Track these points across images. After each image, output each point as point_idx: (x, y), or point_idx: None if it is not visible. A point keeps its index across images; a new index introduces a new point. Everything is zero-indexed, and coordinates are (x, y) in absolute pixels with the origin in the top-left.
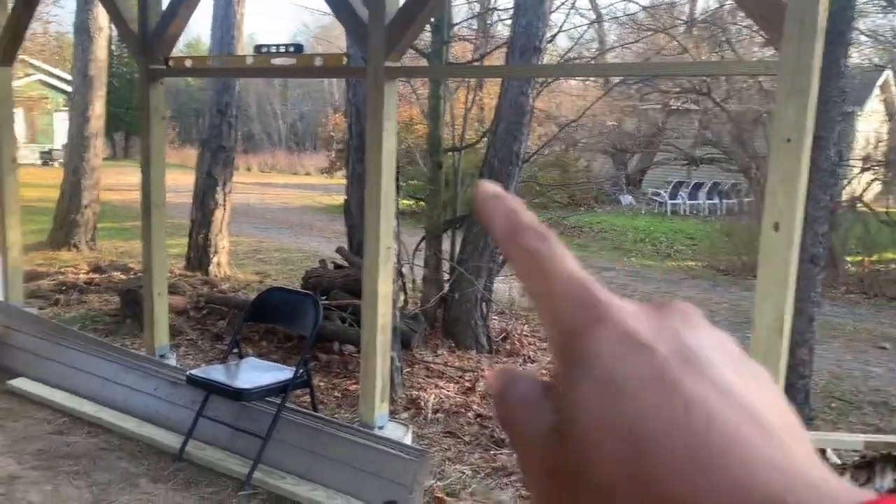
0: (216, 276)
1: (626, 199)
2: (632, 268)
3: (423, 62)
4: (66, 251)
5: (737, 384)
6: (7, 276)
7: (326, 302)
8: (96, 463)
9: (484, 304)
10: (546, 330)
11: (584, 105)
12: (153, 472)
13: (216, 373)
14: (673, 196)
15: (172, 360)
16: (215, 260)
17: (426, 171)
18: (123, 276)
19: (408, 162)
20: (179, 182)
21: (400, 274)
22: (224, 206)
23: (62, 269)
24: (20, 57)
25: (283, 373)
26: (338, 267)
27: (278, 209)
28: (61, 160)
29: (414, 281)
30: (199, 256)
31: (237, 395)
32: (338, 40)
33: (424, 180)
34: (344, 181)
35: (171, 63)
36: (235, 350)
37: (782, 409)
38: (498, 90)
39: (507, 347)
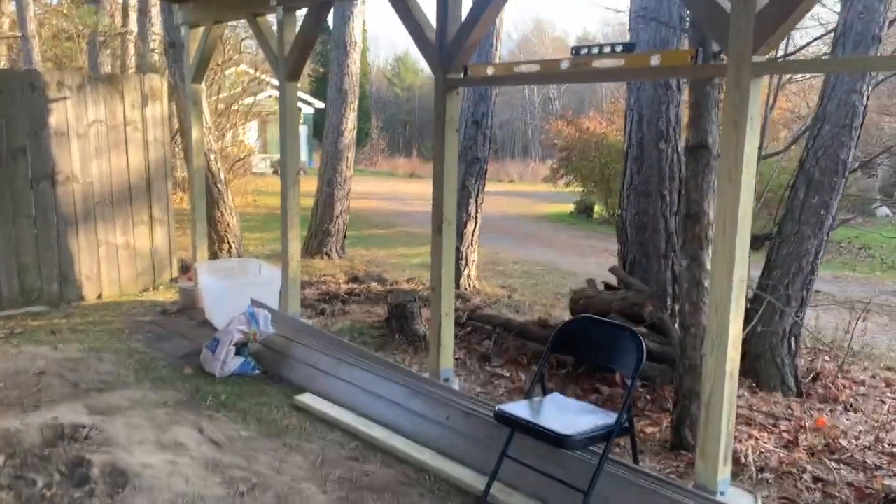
0: (466, 289)
1: (882, 210)
2: None
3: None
4: (320, 259)
5: None
6: (286, 287)
7: None
8: (400, 500)
9: (793, 338)
10: None
11: None
12: None
13: (523, 410)
14: None
15: (455, 385)
16: (465, 273)
17: None
18: (381, 287)
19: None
20: (399, 190)
21: (658, 296)
22: (476, 218)
23: (322, 278)
24: (260, 74)
25: (600, 416)
26: (609, 288)
27: (498, 217)
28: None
29: None
30: None
31: (558, 440)
32: (533, 53)
33: None
34: (565, 188)
35: (469, 72)
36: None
37: None
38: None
39: (820, 391)
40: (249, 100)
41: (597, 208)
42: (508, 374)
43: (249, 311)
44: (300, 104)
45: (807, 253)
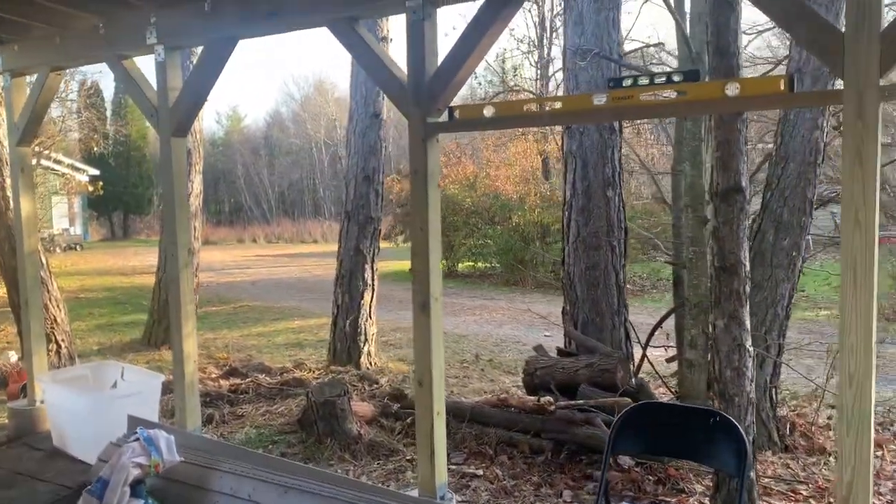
0: (368, 368)
1: None
2: None
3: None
4: (167, 349)
5: None
6: (184, 396)
7: (580, 403)
8: None
9: (773, 390)
10: None
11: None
12: None
13: None
14: None
15: (454, 502)
16: (365, 349)
17: (686, 228)
18: (270, 380)
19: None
20: (205, 260)
21: (628, 358)
22: (373, 286)
23: None
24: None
25: None
26: (562, 353)
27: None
28: (64, 245)
29: (650, 366)
30: (347, 347)
31: None
32: (318, 113)
33: (686, 240)
34: (404, 245)
35: (456, 114)
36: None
37: None
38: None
39: (802, 443)
40: None
41: None
42: (481, 473)
43: (144, 436)
44: (71, 171)
45: (781, 298)
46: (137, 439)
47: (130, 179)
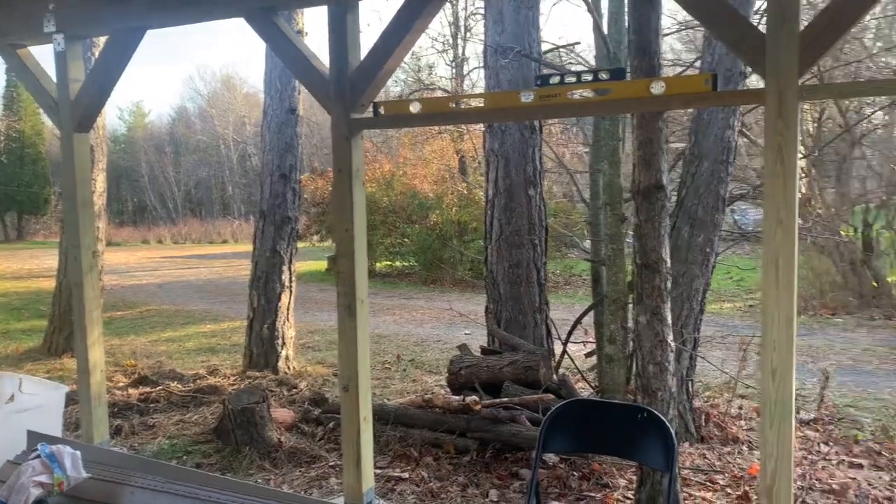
0: (286, 372)
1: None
2: None
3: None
4: (69, 357)
5: None
6: (90, 408)
7: (504, 400)
8: None
9: (689, 382)
10: None
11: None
12: None
13: None
14: None
15: None
16: (283, 354)
17: (603, 226)
18: (182, 387)
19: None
20: (107, 261)
21: (549, 355)
22: (290, 288)
23: None
24: None
25: None
26: (486, 352)
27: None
28: None
29: (571, 361)
30: (264, 351)
31: None
32: (226, 109)
33: (603, 238)
34: (322, 244)
35: (381, 110)
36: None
37: None
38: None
39: (717, 433)
40: None
41: None
42: (406, 476)
43: (45, 452)
44: None
45: (696, 293)
46: (38, 456)
47: (24, 178)
